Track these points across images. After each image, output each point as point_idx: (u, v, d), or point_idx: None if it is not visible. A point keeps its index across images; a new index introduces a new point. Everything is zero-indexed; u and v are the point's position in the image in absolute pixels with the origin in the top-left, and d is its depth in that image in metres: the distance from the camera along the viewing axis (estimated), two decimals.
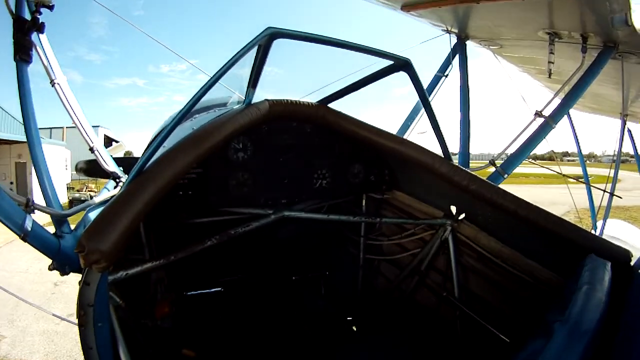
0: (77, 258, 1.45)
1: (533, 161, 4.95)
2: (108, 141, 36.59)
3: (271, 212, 2.65)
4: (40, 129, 2.24)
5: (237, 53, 1.66)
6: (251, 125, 2.13)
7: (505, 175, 3.40)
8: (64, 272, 1.94)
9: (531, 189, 25.73)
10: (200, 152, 1.82)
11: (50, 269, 1.91)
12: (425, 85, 2.44)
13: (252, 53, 1.82)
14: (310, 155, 2.64)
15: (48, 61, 2.44)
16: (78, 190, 23.21)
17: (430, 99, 3.83)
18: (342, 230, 3.70)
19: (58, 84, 2.48)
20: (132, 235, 1.54)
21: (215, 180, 2.45)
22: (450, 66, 4.22)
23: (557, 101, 3.41)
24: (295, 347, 3.29)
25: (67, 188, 24.32)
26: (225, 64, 1.67)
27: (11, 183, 18.83)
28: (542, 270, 2.23)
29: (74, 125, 2.59)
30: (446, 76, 4.20)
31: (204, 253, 3.43)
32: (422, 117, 3.53)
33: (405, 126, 4.17)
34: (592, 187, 6.00)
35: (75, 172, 3.53)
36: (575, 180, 5.02)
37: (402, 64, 1.99)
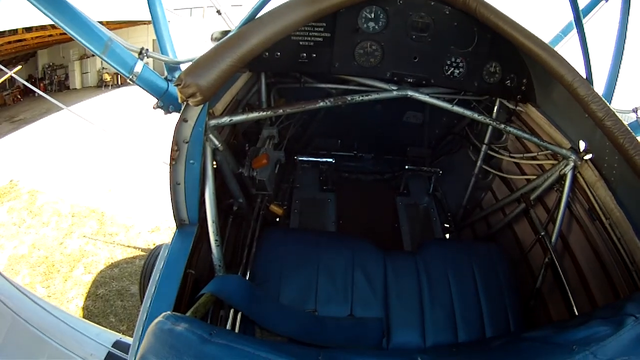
0: None
1: None
2: None
3: (395, 88, 2.55)
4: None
5: None
6: None
7: None
8: (167, 111, 2.19)
9: None
10: (316, 8, 1.74)
11: (154, 107, 2.16)
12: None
13: None
14: (446, 39, 2.43)
15: None
16: None
17: (585, 20, 3.20)
18: (467, 133, 3.51)
19: None
20: (231, 75, 1.58)
21: (342, 46, 2.39)
22: None
23: None
24: (389, 234, 3.49)
25: None
26: None
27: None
28: None
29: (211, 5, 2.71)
30: (607, 0, 3.44)
31: (322, 124, 3.61)
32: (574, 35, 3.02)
33: (558, 38, 3.68)
34: None
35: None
36: None
37: None
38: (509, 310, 2.24)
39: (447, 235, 3.61)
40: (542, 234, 2.53)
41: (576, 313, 2.16)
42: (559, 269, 2.34)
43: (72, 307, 4.99)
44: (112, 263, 5.55)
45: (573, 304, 2.18)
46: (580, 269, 2.36)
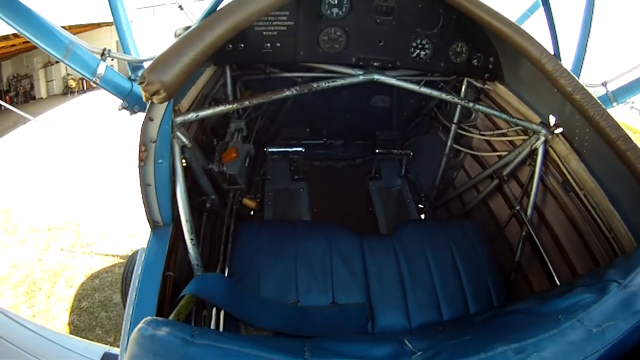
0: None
1: None
2: None
3: (361, 72, 2.56)
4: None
5: None
6: None
7: (615, 104, 2.87)
8: (132, 112, 2.12)
9: None
10: None
11: (119, 109, 2.09)
12: None
13: None
14: (411, 21, 2.45)
15: None
16: None
17: None
18: (436, 113, 3.56)
19: None
20: (195, 69, 1.54)
21: (306, 34, 2.38)
22: None
23: None
24: (364, 218, 3.51)
25: None
26: None
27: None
28: (620, 223, 1.94)
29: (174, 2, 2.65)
30: None
31: (290, 113, 3.59)
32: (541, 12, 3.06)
33: (525, 16, 3.69)
34: None
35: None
36: None
37: None
38: (490, 285, 2.27)
39: (422, 216, 3.65)
40: (517, 208, 2.57)
41: (558, 283, 2.18)
42: (537, 241, 2.37)
43: (57, 324, 4.85)
44: (92, 274, 5.42)
45: (554, 274, 2.21)
46: (558, 239, 2.40)
